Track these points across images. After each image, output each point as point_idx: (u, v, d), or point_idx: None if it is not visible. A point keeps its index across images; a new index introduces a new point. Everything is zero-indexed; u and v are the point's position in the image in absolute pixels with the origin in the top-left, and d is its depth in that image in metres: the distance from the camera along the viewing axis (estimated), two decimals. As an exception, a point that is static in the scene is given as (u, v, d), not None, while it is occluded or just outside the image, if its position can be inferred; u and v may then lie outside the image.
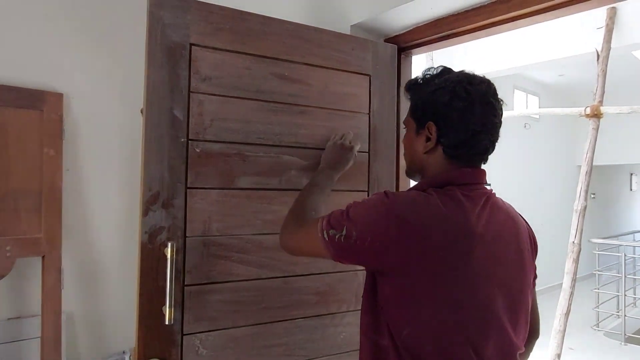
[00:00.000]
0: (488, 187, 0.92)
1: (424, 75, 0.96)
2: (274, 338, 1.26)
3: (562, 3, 1.14)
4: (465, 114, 0.87)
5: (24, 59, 2.36)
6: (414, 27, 1.48)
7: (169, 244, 1.07)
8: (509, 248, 0.89)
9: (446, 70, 0.95)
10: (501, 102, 0.91)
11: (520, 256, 0.91)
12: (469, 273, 0.81)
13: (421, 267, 0.80)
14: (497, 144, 0.92)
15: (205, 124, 1.17)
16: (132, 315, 2.72)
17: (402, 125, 1.07)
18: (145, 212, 1.10)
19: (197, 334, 1.16)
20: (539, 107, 6.77)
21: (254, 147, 1.24)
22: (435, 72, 0.95)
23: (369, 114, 1.44)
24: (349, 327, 1.38)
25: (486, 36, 1.35)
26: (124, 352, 2.69)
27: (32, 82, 2.37)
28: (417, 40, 1.49)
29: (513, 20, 1.24)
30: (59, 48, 2.47)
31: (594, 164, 3.70)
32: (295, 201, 1.13)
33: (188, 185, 1.15)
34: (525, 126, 6.63)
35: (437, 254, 0.80)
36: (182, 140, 1.14)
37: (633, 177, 10.00)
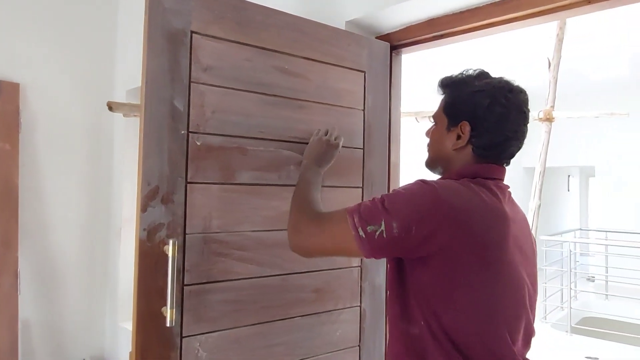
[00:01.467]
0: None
1: (463, 75, 0.97)
2: (274, 338, 1.23)
3: (555, 8, 1.19)
4: (501, 120, 0.90)
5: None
6: (407, 26, 1.49)
7: (170, 242, 1.02)
8: (527, 240, 0.93)
9: (485, 74, 0.97)
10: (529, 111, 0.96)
11: (532, 250, 0.96)
12: (506, 258, 0.84)
13: (464, 251, 0.80)
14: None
15: (206, 116, 1.12)
16: (93, 321, 2.57)
17: (428, 120, 1.09)
18: (144, 207, 1.03)
19: (197, 336, 1.10)
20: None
21: (255, 141, 1.21)
22: (474, 73, 0.97)
23: (363, 110, 1.44)
24: (345, 324, 1.37)
25: (480, 37, 1.39)
26: (84, 360, 2.54)
27: (-15, 71, 2.18)
28: (409, 39, 1.51)
29: (508, 23, 1.28)
30: (17, 36, 2.29)
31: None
32: (297, 199, 1.08)
33: (188, 180, 1.10)
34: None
35: (479, 238, 0.81)
36: (183, 132, 1.09)
37: (570, 178, 10.71)
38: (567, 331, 4.97)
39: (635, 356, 4.12)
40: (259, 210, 1.21)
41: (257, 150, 1.21)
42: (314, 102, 1.32)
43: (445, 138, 0.96)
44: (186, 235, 1.09)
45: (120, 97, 2.46)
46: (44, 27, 2.39)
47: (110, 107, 2.29)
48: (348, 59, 1.40)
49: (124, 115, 2.38)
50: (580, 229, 8.27)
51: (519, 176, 7.81)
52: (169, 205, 1.07)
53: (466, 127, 0.92)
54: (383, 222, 0.82)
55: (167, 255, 1.03)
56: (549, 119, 3.92)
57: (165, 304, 1.03)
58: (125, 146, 2.47)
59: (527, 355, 0.93)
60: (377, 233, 0.82)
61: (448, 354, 0.82)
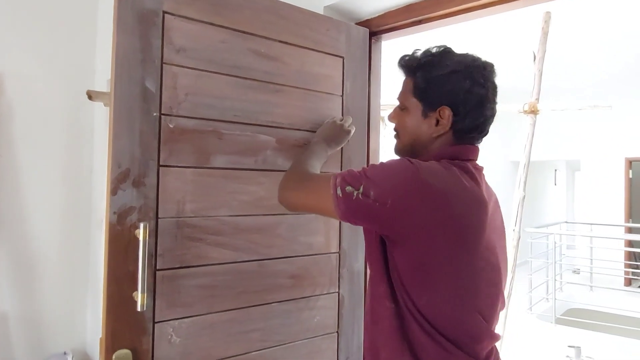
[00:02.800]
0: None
1: (429, 55, 0.93)
2: (250, 323, 1.22)
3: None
4: (482, 101, 0.88)
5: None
6: (386, 11, 1.48)
7: (141, 225, 1.00)
8: (499, 219, 0.94)
9: (449, 50, 0.93)
10: None
11: (503, 228, 0.97)
12: (484, 242, 0.84)
13: (441, 234, 0.80)
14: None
15: (179, 98, 1.10)
16: (74, 313, 2.54)
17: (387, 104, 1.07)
18: (114, 190, 1.01)
19: (170, 322, 1.09)
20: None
21: (230, 124, 1.19)
22: (439, 51, 0.93)
23: (342, 96, 1.43)
24: (322, 310, 1.37)
25: (459, 22, 1.38)
26: (65, 353, 2.51)
27: (-42, 57, 2.12)
28: (389, 25, 1.50)
29: (486, 7, 1.27)
30: (-8, 21, 2.23)
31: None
32: (296, 163, 1.14)
33: (161, 163, 1.08)
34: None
35: (457, 223, 0.81)
36: (155, 114, 1.07)
37: (557, 172, 10.83)
38: (552, 322, 5.04)
39: (617, 345, 4.19)
40: (235, 195, 1.20)
41: (232, 134, 1.19)
42: (291, 86, 1.31)
43: (422, 124, 0.93)
44: (158, 219, 1.08)
45: (100, 86, 2.41)
46: (21, 14, 2.33)
47: (90, 96, 2.25)
48: (326, 44, 1.39)
49: (104, 105, 2.34)
50: (566, 222, 8.37)
51: (506, 169, 7.88)
52: (140, 189, 1.05)
53: (447, 112, 0.89)
54: (362, 187, 0.82)
55: (138, 239, 1.01)
56: (533, 112, 3.94)
57: (136, 289, 1.01)
58: (106, 136, 2.43)
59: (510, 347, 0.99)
60: (354, 195, 0.82)
61: (429, 334, 0.82)
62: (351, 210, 0.84)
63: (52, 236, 2.42)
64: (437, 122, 0.91)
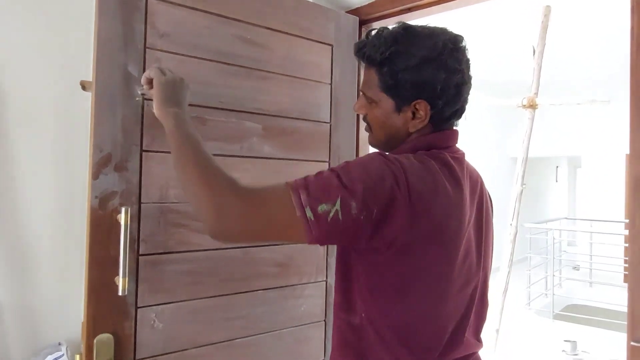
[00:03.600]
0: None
1: (390, 43, 0.79)
2: (234, 310, 1.22)
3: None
4: (461, 86, 0.80)
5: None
6: (376, -1, 1.47)
7: (123, 210, 1.00)
8: (483, 209, 0.90)
9: (410, 30, 0.80)
10: None
11: (488, 220, 0.92)
12: (464, 245, 0.80)
13: (420, 244, 0.73)
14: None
15: (162, 83, 1.10)
16: (69, 303, 2.54)
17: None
18: (96, 174, 1.01)
19: (153, 307, 1.09)
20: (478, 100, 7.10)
21: (214, 111, 1.18)
22: (400, 36, 0.80)
23: (330, 84, 1.42)
24: (309, 299, 1.37)
25: (449, 10, 1.37)
26: (59, 344, 2.51)
27: (-49, 48, 2.12)
28: (378, 12, 1.49)
29: (474, -6, 1.26)
30: (-16, 11, 2.23)
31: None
32: (198, 168, 0.80)
33: (143, 148, 1.08)
34: (464, 118, 6.92)
35: (437, 230, 0.75)
36: (138, 99, 1.06)
37: (558, 169, 10.80)
38: (550, 317, 5.03)
39: (615, 340, 4.18)
40: (219, 182, 1.19)
41: (217, 121, 1.19)
42: (278, 73, 1.30)
43: (396, 119, 0.84)
44: (141, 204, 1.07)
45: (94, 77, 2.41)
46: (14, 4, 2.33)
47: (84, 86, 2.24)
48: (314, 31, 1.38)
49: (98, 96, 2.34)
50: (567, 218, 8.35)
51: (506, 165, 7.85)
52: (122, 173, 1.05)
53: (424, 106, 0.80)
54: (339, 201, 0.67)
55: (120, 224, 1.01)
56: (532, 106, 3.93)
57: (118, 274, 1.01)
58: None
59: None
60: (331, 214, 0.67)
61: (390, 348, 0.77)
62: (328, 233, 0.69)
63: (46, 227, 2.42)
64: (414, 115, 0.82)
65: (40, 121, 2.40)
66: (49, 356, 2.29)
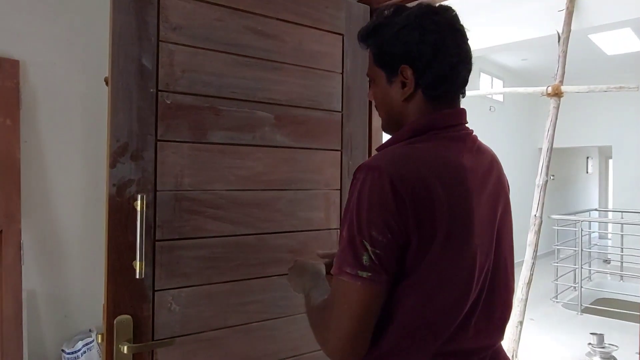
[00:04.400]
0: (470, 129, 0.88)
1: (379, 19, 0.87)
2: (249, 295, 1.25)
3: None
4: (438, 47, 0.80)
5: (-25, 22, 2.21)
6: (387, -14, 1.47)
7: (139, 197, 1.04)
8: (497, 196, 0.86)
9: (402, 7, 0.86)
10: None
11: (502, 204, 0.89)
12: (471, 237, 0.77)
13: (434, 226, 0.73)
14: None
15: (176, 75, 1.13)
16: (98, 291, 2.63)
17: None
18: (113, 163, 1.06)
19: (170, 290, 1.13)
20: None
21: (227, 101, 1.21)
22: (390, 12, 0.86)
23: (342, 73, 1.43)
24: (323, 286, 1.39)
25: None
26: (90, 330, 2.62)
27: (-15, 48, 2.23)
28: (389, 1, 1.49)
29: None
30: (15, 13, 2.33)
31: (553, 146, 3.84)
32: (311, 321, 0.86)
33: (158, 138, 1.11)
34: (490, 109, 6.80)
35: (445, 209, 0.73)
36: (152, 90, 1.10)
37: (589, 160, 10.47)
38: (578, 311, 4.91)
39: (646, 335, 4.05)
40: (232, 170, 1.23)
41: (230, 111, 1.22)
42: (289, 64, 1.32)
43: (390, 92, 0.86)
44: (157, 192, 1.11)
45: (117, 74, 2.48)
46: (42, 3, 2.42)
47: (107, 82, 2.32)
48: (325, 21, 1.39)
49: (121, 92, 2.42)
50: (597, 209, 8.10)
51: (533, 156, 7.66)
52: (138, 162, 1.09)
53: (408, 71, 0.82)
54: (367, 243, 0.71)
55: (136, 210, 1.05)
56: (557, 94, 3.82)
57: (135, 258, 1.05)
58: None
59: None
60: (373, 257, 0.71)
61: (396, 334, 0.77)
62: (380, 268, 0.72)
63: (76, 217, 2.52)
64: (403, 84, 0.83)
65: (67, 116, 2.50)
66: (80, 342, 2.40)
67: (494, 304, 0.84)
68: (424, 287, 0.75)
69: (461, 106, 0.89)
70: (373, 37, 0.87)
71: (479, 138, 0.92)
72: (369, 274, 0.71)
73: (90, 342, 2.45)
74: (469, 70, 0.85)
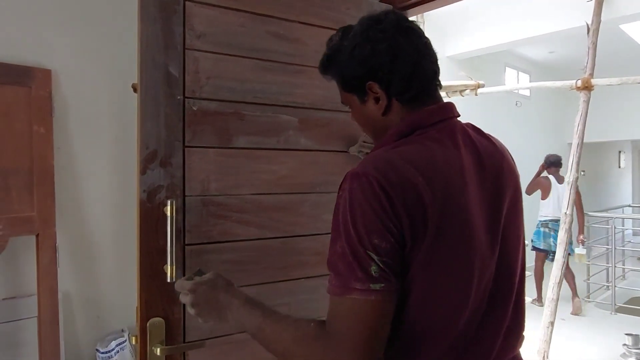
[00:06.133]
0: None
1: (331, 48, 0.88)
2: (277, 298, 1.27)
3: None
4: (394, 52, 0.78)
5: (10, 35, 2.31)
6: (410, -14, 1.46)
7: (169, 202, 1.06)
8: (501, 192, 0.82)
9: (348, 28, 0.86)
10: (417, 22, 0.85)
11: (507, 200, 0.84)
12: (470, 221, 0.75)
13: (426, 226, 0.70)
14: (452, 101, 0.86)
15: (201, 82, 1.16)
16: (130, 292, 2.71)
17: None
18: (143, 170, 1.08)
19: (199, 293, 1.15)
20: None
21: (251, 106, 1.23)
22: (337, 37, 0.87)
23: (365, 74, 1.43)
24: (349, 287, 1.39)
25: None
26: (122, 330, 2.70)
27: (19, 59, 2.32)
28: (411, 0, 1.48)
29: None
30: (47, 24, 2.42)
31: (584, 141, 3.73)
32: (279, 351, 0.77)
33: (186, 144, 1.14)
34: (516, 104, 6.65)
35: (435, 209, 0.70)
36: (179, 97, 1.13)
37: (622, 154, 10.12)
38: (611, 310, 4.76)
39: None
40: (257, 174, 1.24)
41: (253, 115, 1.23)
42: (311, 66, 1.32)
43: (367, 111, 0.85)
44: (185, 197, 1.14)
45: (144, 80, 2.54)
46: (71, 14, 2.51)
47: (135, 89, 2.38)
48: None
49: (148, 97, 2.48)
50: (630, 205, 7.83)
51: (562, 152, 7.46)
52: (167, 168, 1.11)
53: (374, 86, 0.81)
54: (371, 254, 0.67)
55: (166, 216, 1.07)
56: (587, 88, 3.71)
57: (166, 262, 1.08)
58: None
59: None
60: (382, 265, 0.67)
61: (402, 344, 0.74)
62: (392, 274, 0.69)
63: (107, 220, 2.60)
64: (376, 100, 0.82)
65: (97, 123, 2.58)
66: (113, 342, 2.48)
67: (504, 311, 0.81)
68: (419, 290, 0.71)
69: (444, 100, 0.85)
70: (331, 67, 0.88)
71: (490, 133, 0.88)
72: (382, 285, 0.67)
73: (123, 342, 2.52)
74: (434, 61, 0.82)
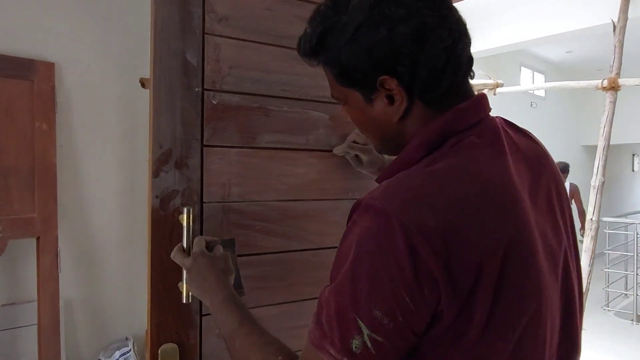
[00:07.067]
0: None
1: (321, 21, 0.63)
2: (302, 318, 1.12)
3: None
4: (423, 34, 0.56)
5: (10, 24, 2.17)
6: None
7: (185, 210, 0.92)
8: (556, 204, 0.66)
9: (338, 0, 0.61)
10: None
11: (569, 214, 0.68)
12: (537, 259, 0.56)
13: (486, 287, 0.51)
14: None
15: (222, 72, 1.01)
16: (135, 299, 2.57)
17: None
18: (156, 172, 0.94)
19: (218, 314, 1.01)
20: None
21: (278, 100, 1.08)
22: (329, 9, 0.62)
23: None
24: (383, 305, 1.24)
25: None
26: (127, 339, 2.56)
27: (21, 51, 2.18)
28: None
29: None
30: (50, 13, 2.28)
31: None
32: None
33: (204, 143, 0.99)
34: (531, 105, 6.49)
35: (499, 253, 0.52)
36: (197, 89, 0.98)
37: (635, 157, 9.92)
38: (632, 320, 4.59)
39: None
40: (283, 178, 1.09)
41: (280, 111, 1.09)
42: (344, 57, 1.18)
43: (374, 113, 0.63)
44: (203, 204, 0.99)
45: (152, 75, 2.41)
46: (77, 3, 2.36)
47: (143, 83, 2.24)
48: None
49: (156, 93, 2.34)
50: (647, 211, 7.65)
51: (578, 154, 7.29)
52: (183, 170, 0.97)
53: (391, 83, 0.59)
54: (362, 324, 0.51)
55: (182, 225, 0.93)
56: (613, 88, 3.55)
57: (181, 279, 0.93)
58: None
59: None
60: (369, 344, 0.51)
61: None
62: None
63: (112, 224, 2.46)
64: (390, 98, 0.61)
65: (103, 120, 2.43)
66: (117, 351, 2.33)
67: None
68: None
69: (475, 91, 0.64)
70: (322, 52, 0.64)
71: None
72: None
73: (128, 352, 2.38)
74: (469, 44, 0.61)
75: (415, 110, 0.61)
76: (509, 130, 0.65)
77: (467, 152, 0.57)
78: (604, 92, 3.59)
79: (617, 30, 3.68)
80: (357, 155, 1.09)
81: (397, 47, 0.57)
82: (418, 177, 0.56)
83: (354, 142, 1.10)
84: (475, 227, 0.51)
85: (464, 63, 0.61)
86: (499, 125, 0.63)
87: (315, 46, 0.64)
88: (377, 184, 0.62)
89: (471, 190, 0.54)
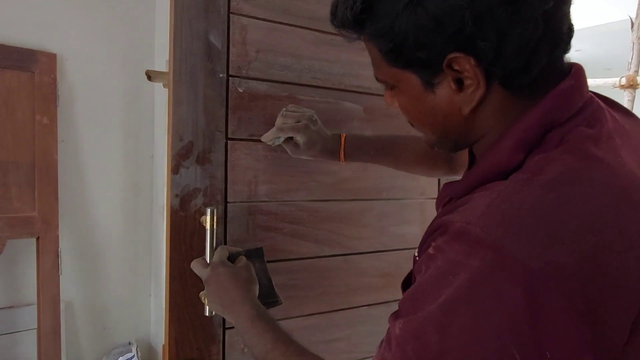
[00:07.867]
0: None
1: None
2: (334, 331, 1.01)
3: None
4: None
5: (11, 14, 2.06)
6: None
7: (208, 211, 0.81)
8: None
9: None
10: None
11: None
12: None
13: (623, 324, 0.38)
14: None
15: (249, 57, 0.90)
16: (139, 302, 2.45)
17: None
18: (176, 168, 0.83)
19: (242, 327, 0.90)
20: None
21: (309, 89, 0.97)
22: None
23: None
24: (418, 316, 1.14)
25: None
26: (129, 343, 2.44)
27: (21, 40, 2.06)
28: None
29: None
30: (52, 2, 2.17)
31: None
32: None
33: (229, 136, 0.88)
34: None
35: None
36: (221, 75, 0.87)
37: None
38: None
39: None
40: (314, 175, 0.99)
41: (311, 101, 0.98)
42: (379, 43, 1.07)
43: (435, 101, 0.49)
44: (227, 204, 0.89)
45: (160, 67, 2.30)
46: (78, -6, 2.25)
47: (149, 76, 2.12)
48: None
49: (163, 86, 2.22)
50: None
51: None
52: (205, 166, 0.86)
53: (464, 62, 0.44)
54: None
55: (204, 228, 0.82)
56: (632, 86, 3.43)
57: (203, 288, 0.82)
58: (166, 118, 2.32)
59: None
60: None
61: None
62: None
63: (115, 224, 2.36)
64: (459, 83, 0.47)
65: (106, 113, 2.32)
66: (121, 357, 2.22)
67: None
68: None
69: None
70: (369, 20, 0.48)
71: None
72: None
73: (131, 358, 2.28)
74: (570, 8, 0.47)
75: (493, 98, 0.47)
76: (612, 111, 0.50)
77: (583, 149, 0.43)
78: (622, 90, 3.48)
79: (636, 26, 3.56)
80: (291, 138, 0.85)
81: (480, 12, 0.42)
82: (530, 192, 0.41)
83: (285, 124, 0.85)
84: (624, 254, 0.38)
85: (565, 34, 0.47)
86: (602, 106, 0.49)
87: (361, 13, 0.48)
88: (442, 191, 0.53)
89: (609, 202, 0.40)
